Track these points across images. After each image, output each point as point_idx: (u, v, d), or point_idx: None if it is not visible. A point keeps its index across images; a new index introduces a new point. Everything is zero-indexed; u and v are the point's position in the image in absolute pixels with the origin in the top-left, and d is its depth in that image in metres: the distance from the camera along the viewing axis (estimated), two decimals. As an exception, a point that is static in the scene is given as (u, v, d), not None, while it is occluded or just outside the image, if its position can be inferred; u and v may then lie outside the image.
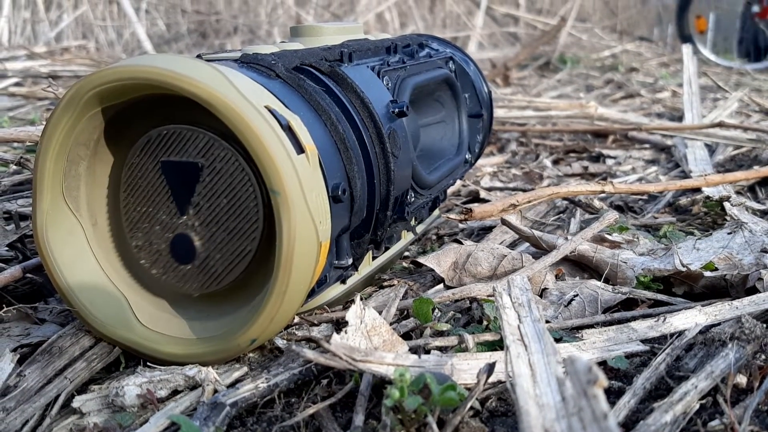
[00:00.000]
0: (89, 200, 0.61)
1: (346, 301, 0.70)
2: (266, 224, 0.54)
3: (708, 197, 1.02)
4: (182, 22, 3.68)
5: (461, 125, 0.88)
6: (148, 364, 0.58)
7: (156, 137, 0.55)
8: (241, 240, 0.55)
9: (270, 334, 0.55)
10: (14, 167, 1.08)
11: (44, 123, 0.57)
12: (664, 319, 0.62)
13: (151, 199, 0.57)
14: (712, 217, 0.99)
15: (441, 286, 0.76)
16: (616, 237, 0.84)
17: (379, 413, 0.51)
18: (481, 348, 0.59)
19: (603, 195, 1.08)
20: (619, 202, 1.10)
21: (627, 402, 0.51)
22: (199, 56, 0.61)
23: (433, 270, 0.77)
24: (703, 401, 0.51)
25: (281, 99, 0.55)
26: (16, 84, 2.08)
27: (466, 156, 0.89)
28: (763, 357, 0.55)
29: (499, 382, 0.54)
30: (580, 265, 0.80)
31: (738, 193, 1.09)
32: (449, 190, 1.11)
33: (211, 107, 0.50)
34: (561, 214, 1.04)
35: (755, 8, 3.67)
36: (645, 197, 1.13)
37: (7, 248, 0.80)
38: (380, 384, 0.53)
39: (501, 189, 1.21)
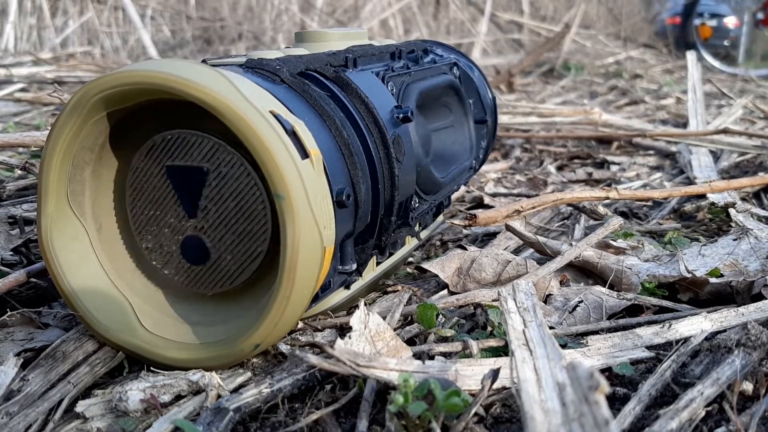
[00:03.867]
0: (94, 205, 0.61)
1: (350, 306, 0.69)
2: (275, 226, 0.55)
3: (713, 204, 1.01)
4: (187, 29, 3.70)
5: (470, 130, 0.88)
6: (152, 368, 0.58)
7: (160, 142, 0.56)
8: (251, 242, 0.55)
9: (274, 340, 0.55)
10: (19, 172, 1.08)
11: (49, 128, 0.57)
12: (670, 326, 0.62)
13: (158, 202, 0.57)
14: (717, 223, 0.99)
15: (445, 291, 0.76)
16: (620, 243, 0.84)
17: (382, 419, 0.51)
18: (485, 354, 0.59)
19: (607, 201, 1.07)
20: (623, 209, 1.09)
21: (632, 409, 0.50)
22: (204, 61, 0.61)
23: (437, 276, 0.77)
24: (709, 408, 0.51)
25: (286, 104, 0.55)
26: (22, 89, 2.09)
27: (471, 162, 0.89)
28: (770, 364, 0.55)
29: (504, 388, 0.54)
30: (585, 271, 0.80)
31: (743, 199, 1.09)
32: (453, 196, 1.11)
33: (216, 112, 0.50)
34: (565, 220, 1.03)
35: (759, 15, 3.68)
36: (649, 203, 1.12)
37: (11, 252, 0.80)
38: (384, 390, 0.53)
39: (505, 195, 1.20)
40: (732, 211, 0.96)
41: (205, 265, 0.57)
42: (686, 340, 0.60)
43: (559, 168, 1.46)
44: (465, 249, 0.85)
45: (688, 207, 1.06)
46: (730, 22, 4.38)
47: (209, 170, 0.55)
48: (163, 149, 0.56)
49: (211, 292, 0.58)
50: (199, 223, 0.56)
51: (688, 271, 0.73)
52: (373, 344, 0.57)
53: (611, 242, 0.83)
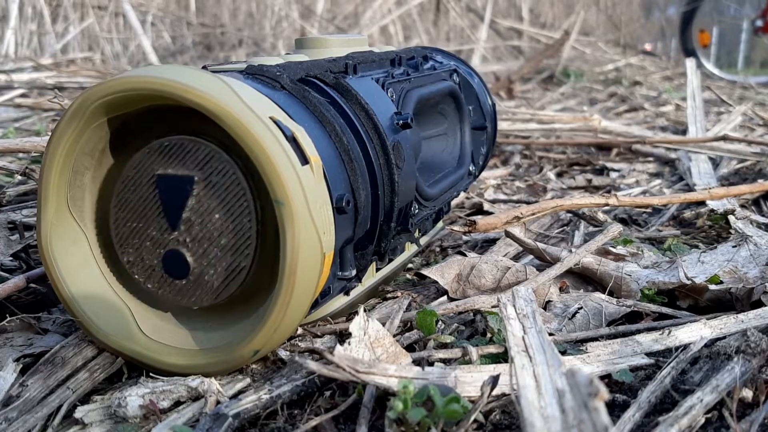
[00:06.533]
0: (94, 210, 0.61)
1: (349, 312, 0.69)
2: (260, 241, 0.54)
3: (712, 210, 1.01)
4: (187, 35, 3.70)
5: (464, 138, 0.88)
6: (151, 374, 0.57)
7: (157, 148, 0.55)
8: (234, 256, 0.54)
9: (273, 346, 0.55)
10: (19, 177, 1.08)
11: (50, 133, 0.57)
12: (669, 333, 0.62)
13: (142, 214, 0.56)
14: (716, 230, 0.99)
15: (445, 298, 0.76)
16: (620, 250, 0.84)
17: (382, 425, 0.51)
18: (484, 360, 0.59)
19: (607, 208, 1.07)
20: (623, 215, 1.09)
21: (632, 416, 0.50)
22: (204, 67, 0.61)
23: (436, 282, 0.77)
24: (709, 415, 0.51)
25: (286, 110, 0.55)
26: (22, 95, 2.09)
27: (470, 168, 0.89)
28: (769, 371, 0.54)
29: (503, 394, 0.54)
30: (585, 278, 0.80)
31: (742, 206, 1.09)
32: (453, 202, 1.11)
33: (216, 118, 0.50)
34: (565, 227, 1.03)
35: (758, 23, 3.69)
36: (649, 210, 1.12)
37: (11, 258, 0.80)
38: (383, 396, 0.53)
39: (505, 201, 1.21)
40: (731, 218, 0.97)
41: (188, 279, 0.56)
42: (686, 346, 0.60)
43: (559, 174, 1.46)
44: (464, 255, 0.85)
45: (688, 214, 1.06)
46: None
47: (199, 180, 0.54)
48: (159, 155, 0.55)
49: (196, 306, 0.58)
50: (181, 236, 0.55)
51: (688, 278, 0.73)
52: (372, 350, 0.57)
53: (611, 249, 0.83)
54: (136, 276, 0.58)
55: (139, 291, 0.62)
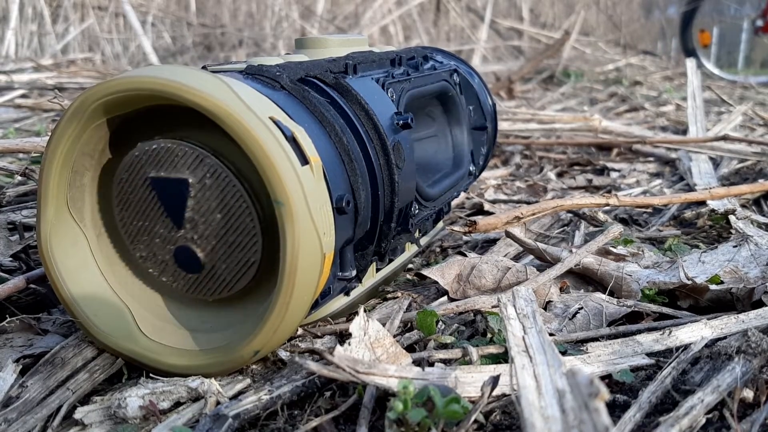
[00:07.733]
0: (93, 211, 0.61)
1: (349, 313, 0.69)
2: (265, 238, 0.54)
3: (713, 210, 1.01)
4: (188, 35, 3.70)
5: (463, 137, 0.88)
6: (151, 375, 0.57)
7: (144, 152, 0.55)
8: (243, 252, 0.55)
9: (273, 346, 0.55)
10: (19, 178, 1.08)
11: (50, 134, 0.57)
12: (670, 333, 0.62)
13: (146, 214, 0.56)
14: (717, 230, 0.99)
15: (445, 298, 0.75)
16: (620, 250, 0.84)
17: (382, 426, 0.51)
18: (485, 361, 0.59)
19: (607, 208, 1.07)
20: (623, 215, 1.09)
21: (632, 416, 0.50)
22: (204, 67, 0.61)
23: (437, 282, 0.77)
24: (710, 415, 0.51)
25: (286, 110, 0.55)
26: (23, 96, 2.09)
27: (471, 168, 0.89)
28: (770, 371, 0.54)
29: (504, 395, 0.53)
30: (585, 278, 0.80)
31: (743, 206, 1.09)
32: (453, 203, 1.11)
33: (216, 118, 0.50)
34: (565, 227, 1.03)
35: (759, 23, 3.70)
36: (649, 210, 1.12)
37: (11, 258, 0.80)
38: (384, 396, 0.53)
39: (505, 201, 1.21)
40: (732, 217, 0.96)
41: (201, 273, 0.57)
42: (686, 347, 0.60)
43: (559, 174, 1.46)
44: (465, 255, 0.85)
45: (688, 214, 1.06)
46: None
47: (193, 182, 0.54)
48: (148, 160, 0.55)
49: (211, 299, 0.58)
50: (188, 233, 0.55)
51: (688, 278, 0.73)
52: (372, 351, 0.57)
53: (611, 249, 0.83)
54: (151, 270, 0.58)
55: (140, 291, 0.62)
